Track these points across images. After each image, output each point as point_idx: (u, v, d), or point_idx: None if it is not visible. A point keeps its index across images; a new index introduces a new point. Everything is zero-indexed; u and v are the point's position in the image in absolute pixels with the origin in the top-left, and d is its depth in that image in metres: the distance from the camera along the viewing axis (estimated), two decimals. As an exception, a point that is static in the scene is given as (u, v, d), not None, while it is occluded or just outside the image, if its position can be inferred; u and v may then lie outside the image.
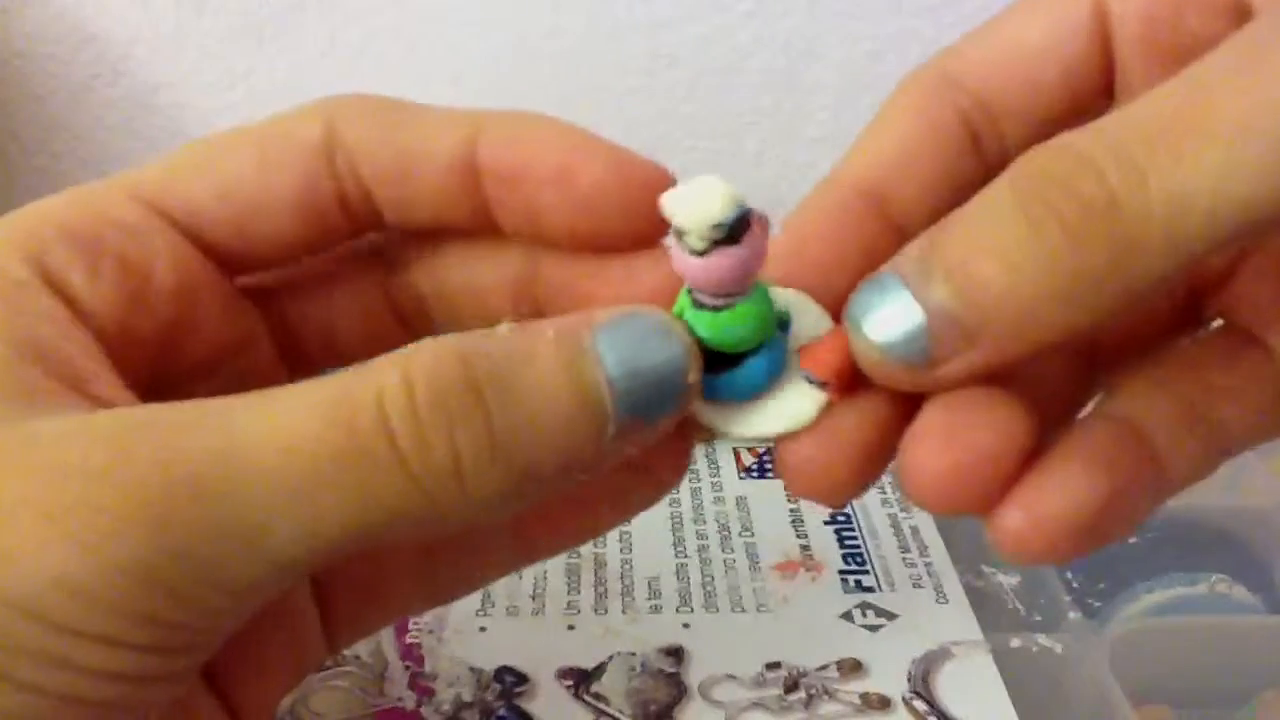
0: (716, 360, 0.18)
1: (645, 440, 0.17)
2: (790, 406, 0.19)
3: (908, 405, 0.18)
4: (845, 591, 0.36)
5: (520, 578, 0.36)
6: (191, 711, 0.20)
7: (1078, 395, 0.21)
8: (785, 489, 0.19)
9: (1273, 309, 0.19)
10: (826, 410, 0.18)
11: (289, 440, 0.16)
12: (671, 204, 0.18)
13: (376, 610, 0.23)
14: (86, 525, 0.15)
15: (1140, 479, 0.18)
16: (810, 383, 0.19)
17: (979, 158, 0.20)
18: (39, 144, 0.65)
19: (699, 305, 0.18)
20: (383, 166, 0.19)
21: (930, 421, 0.17)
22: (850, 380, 0.18)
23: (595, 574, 0.36)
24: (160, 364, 0.19)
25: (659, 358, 0.17)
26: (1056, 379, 0.20)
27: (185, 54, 0.64)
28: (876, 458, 0.18)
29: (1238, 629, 0.41)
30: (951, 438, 0.17)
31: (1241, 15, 0.16)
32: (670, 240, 0.18)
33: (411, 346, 0.17)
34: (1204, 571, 0.42)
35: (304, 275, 0.21)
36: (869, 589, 0.36)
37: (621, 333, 0.17)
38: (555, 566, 0.37)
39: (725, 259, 0.18)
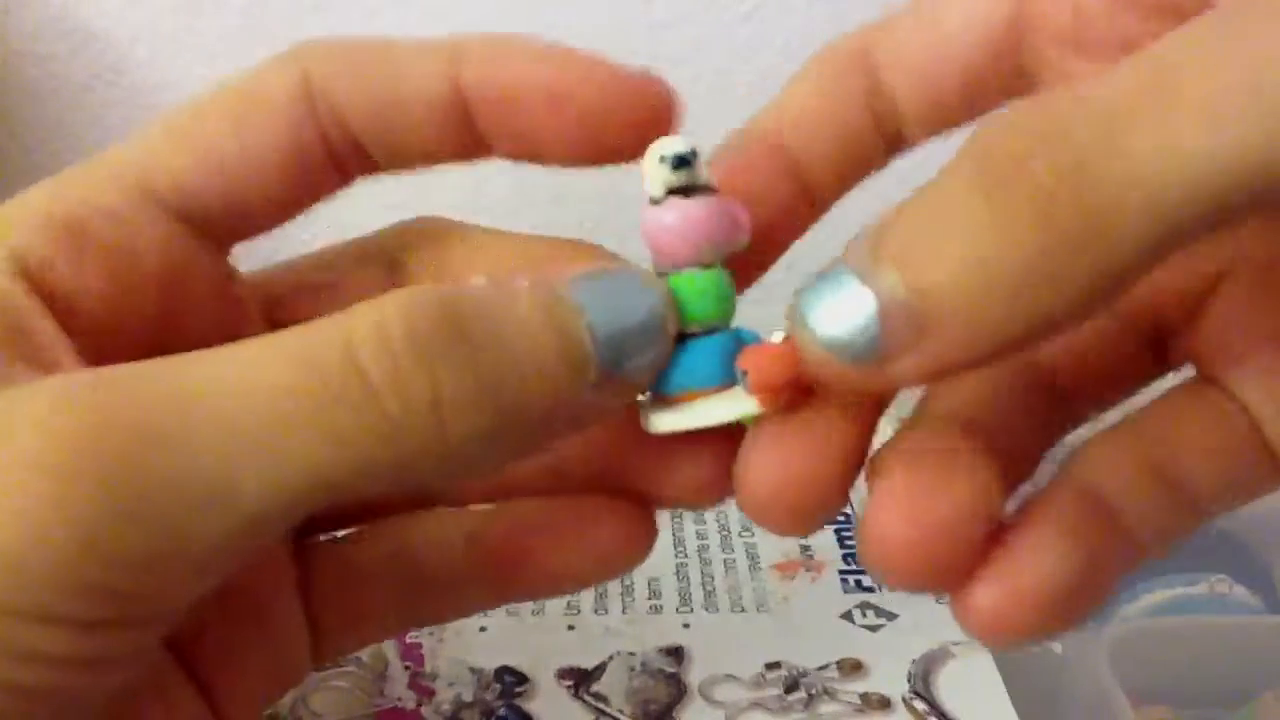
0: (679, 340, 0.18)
1: (623, 394, 0.17)
2: (723, 409, 0.18)
3: (869, 423, 0.17)
4: (845, 591, 0.36)
5: (520, 578, 0.36)
6: (174, 707, 0.19)
7: (1039, 448, 0.20)
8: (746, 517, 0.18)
9: (1243, 352, 0.18)
10: (757, 421, 0.17)
11: (251, 383, 0.15)
12: (649, 158, 0.18)
13: (358, 632, 0.22)
14: (18, 485, 0.14)
15: (1109, 549, 0.17)
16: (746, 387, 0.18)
17: (883, 140, 0.20)
18: (39, 144, 0.65)
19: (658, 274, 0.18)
20: (368, 111, 0.19)
21: (891, 485, 0.16)
22: (791, 390, 0.17)
23: (595, 574, 0.36)
24: (149, 351, 0.18)
25: (638, 305, 0.17)
26: (1018, 429, 0.19)
27: (185, 54, 0.64)
28: (836, 481, 0.17)
29: (1238, 629, 0.41)
30: (914, 504, 0.16)
31: (1179, 17, 0.15)
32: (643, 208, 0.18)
33: (386, 294, 0.16)
34: (1204, 571, 0.42)
35: (307, 279, 0.21)
36: (869, 589, 0.36)
37: (600, 284, 0.17)
38: (555, 566, 0.37)
39: (676, 210, 0.18)
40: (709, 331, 0.18)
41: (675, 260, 0.18)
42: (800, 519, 0.17)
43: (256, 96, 0.19)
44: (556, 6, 0.64)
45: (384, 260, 0.21)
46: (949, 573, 0.16)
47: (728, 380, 0.18)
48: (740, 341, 0.18)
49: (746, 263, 0.19)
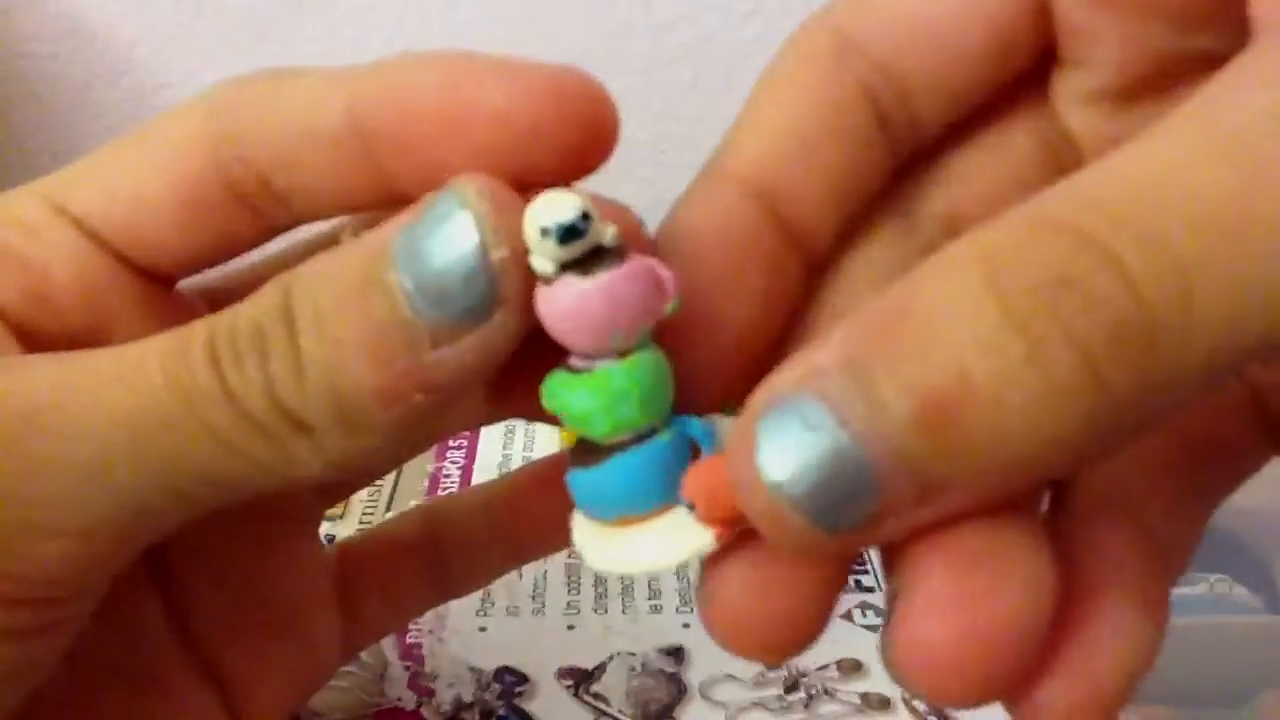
0: (590, 453, 0.15)
1: (487, 343, 0.15)
2: (670, 548, 0.15)
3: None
4: (845, 591, 0.36)
5: (520, 577, 0.36)
6: (183, 711, 0.19)
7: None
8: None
9: None
10: (714, 552, 0.15)
11: (130, 377, 0.15)
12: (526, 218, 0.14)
13: (394, 610, 0.23)
14: None
15: (1166, 597, 0.14)
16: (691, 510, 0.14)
17: (888, 146, 0.16)
18: (39, 144, 0.65)
19: (567, 368, 0.15)
20: (274, 148, 0.17)
21: (935, 589, 0.13)
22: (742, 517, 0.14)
23: (595, 574, 0.36)
24: None
25: (449, 244, 0.14)
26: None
27: (185, 54, 0.64)
28: (816, 613, 0.15)
29: (1238, 629, 0.41)
30: (967, 609, 0.12)
31: None
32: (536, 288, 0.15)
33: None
34: (1204, 571, 0.42)
35: (262, 278, 0.21)
36: (869, 589, 0.36)
37: (416, 227, 0.15)
38: (555, 566, 0.37)
39: (572, 291, 0.14)
40: (642, 437, 0.15)
41: (582, 352, 0.15)
42: (778, 653, 0.15)
43: (163, 136, 0.18)
44: (556, 8, 0.64)
45: (329, 244, 0.21)
46: (1009, 680, 0.13)
47: (672, 499, 0.15)
48: (683, 441, 0.15)
49: (718, 354, 0.16)
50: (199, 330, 0.16)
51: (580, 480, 0.15)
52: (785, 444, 0.12)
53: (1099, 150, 0.15)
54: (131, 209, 0.18)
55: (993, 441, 0.11)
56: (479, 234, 0.14)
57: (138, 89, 0.66)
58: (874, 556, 0.37)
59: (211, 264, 0.19)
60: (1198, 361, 0.11)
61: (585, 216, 0.14)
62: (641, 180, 0.68)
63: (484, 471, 0.42)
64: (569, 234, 0.14)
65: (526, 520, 0.22)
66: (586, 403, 0.14)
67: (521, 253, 0.14)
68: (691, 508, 0.14)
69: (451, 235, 0.14)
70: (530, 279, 0.15)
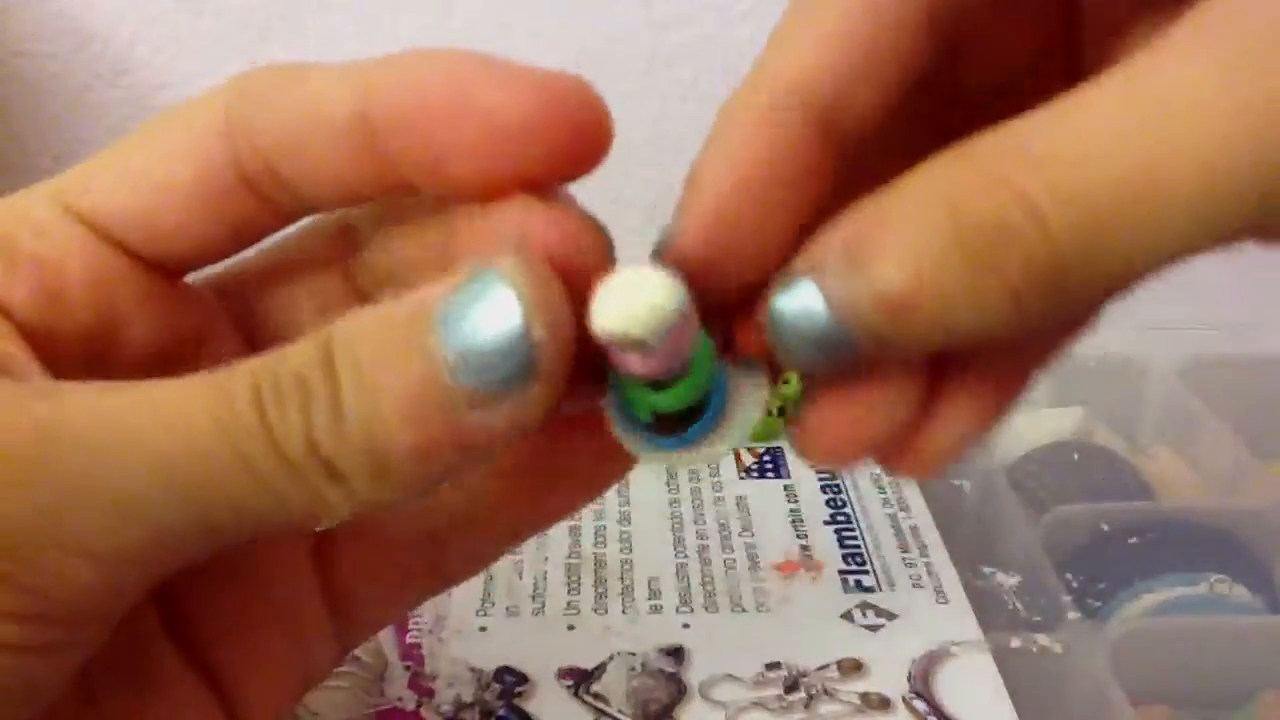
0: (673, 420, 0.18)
1: (521, 412, 0.16)
2: (745, 404, 0.18)
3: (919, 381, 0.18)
4: (845, 591, 0.36)
5: (520, 577, 0.36)
6: (178, 709, 0.19)
7: None
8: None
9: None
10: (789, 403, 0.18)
11: (174, 417, 0.16)
12: (599, 310, 0.16)
13: (388, 600, 0.22)
14: None
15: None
16: (751, 369, 0.18)
17: (950, 51, 0.18)
18: (39, 144, 0.65)
19: (635, 382, 0.17)
20: (282, 136, 0.18)
21: (828, 404, 0.18)
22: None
23: (595, 574, 0.36)
24: (93, 364, 0.19)
25: (492, 319, 0.15)
26: None
27: (185, 54, 0.64)
28: (890, 426, 0.18)
29: (1238, 629, 0.41)
30: (842, 421, 0.18)
31: None
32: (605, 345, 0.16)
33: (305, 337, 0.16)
34: (1204, 571, 0.42)
35: (266, 266, 0.21)
36: (869, 589, 0.36)
37: (458, 298, 0.15)
38: (555, 566, 0.37)
39: (653, 358, 0.16)
40: (697, 405, 0.18)
41: (648, 376, 0.17)
42: (854, 464, 0.19)
43: (181, 128, 0.19)
44: (557, 8, 0.64)
45: (335, 228, 0.21)
46: (865, 457, 0.18)
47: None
48: (722, 388, 0.18)
49: (748, 271, 0.17)
50: (243, 374, 0.16)
51: (676, 440, 0.18)
52: (798, 312, 0.16)
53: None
54: (148, 199, 0.19)
55: (932, 330, 0.15)
56: (522, 312, 0.15)
57: (138, 89, 0.66)
58: (874, 556, 0.37)
59: (224, 255, 0.20)
60: (1099, 296, 0.15)
61: (676, 316, 0.16)
62: (642, 180, 0.68)
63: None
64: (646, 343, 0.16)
65: (526, 490, 0.22)
66: (678, 402, 0.17)
67: (560, 327, 0.16)
68: (748, 366, 0.18)
69: (494, 311, 0.15)
70: (569, 352, 0.16)
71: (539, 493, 0.22)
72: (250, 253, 0.21)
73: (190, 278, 0.20)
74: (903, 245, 0.15)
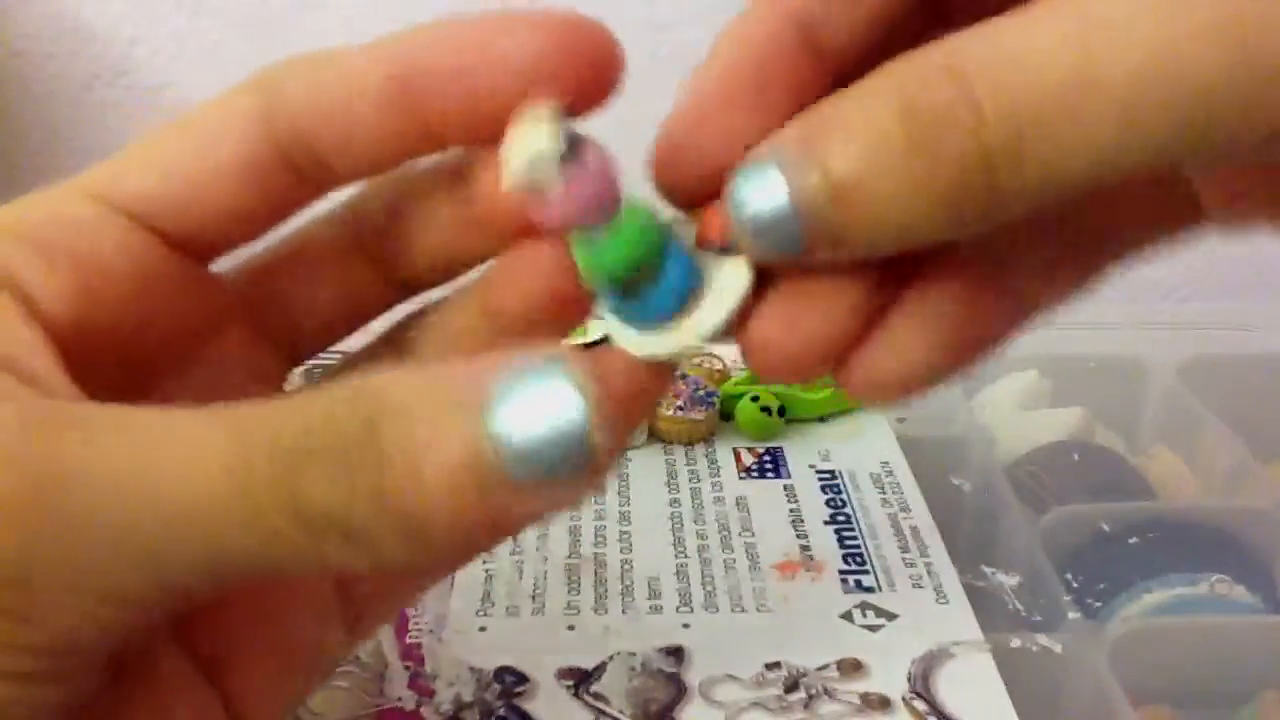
0: (630, 288, 0.18)
1: (560, 498, 0.16)
2: (722, 291, 0.18)
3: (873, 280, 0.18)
4: (845, 591, 0.36)
5: (520, 577, 0.36)
6: (179, 706, 0.19)
7: None
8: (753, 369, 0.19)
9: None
10: (749, 294, 0.18)
11: (188, 466, 0.16)
12: (504, 173, 0.17)
13: (396, 587, 0.22)
14: None
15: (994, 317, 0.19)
16: (724, 254, 0.18)
17: None
18: (39, 144, 0.65)
19: (581, 235, 0.18)
20: (319, 110, 0.19)
21: (772, 307, 0.18)
22: None
23: (595, 574, 0.36)
24: (129, 357, 0.19)
25: (553, 417, 0.15)
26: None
27: (185, 54, 0.64)
28: (843, 340, 0.18)
29: (1238, 629, 0.41)
30: (790, 325, 0.18)
31: None
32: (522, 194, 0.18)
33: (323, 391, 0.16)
34: (1204, 571, 0.42)
35: (287, 258, 0.21)
36: (869, 589, 0.36)
37: (519, 389, 0.15)
38: (555, 566, 0.37)
39: (559, 198, 0.17)
40: (662, 261, 0.18)
41: (591, 226, 0.18)
42: (805, 375, 0.19)
43: (219, 114, 0.19)
44: (557, 7, 0.64)
45: (346, 214, 0.21)
46: (822, 368, 0.18)
47: (699, 285, 0.18)
48: (683, 254, 0.18)
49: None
50: (264, 425, 0.16)
51: (640, 305, 0.18)
52: (754, 192, 0.17)
53: None
54: (186, 181, 0.19)
55: (878, 223, 0.16)
56: (585, 416, 0.15)
57: (138, 89, 0.66)
58: (874, 556, 0.37)
59: (257, 234, 0.20)
60: (1027, 191, 0.15)
61: (572, 136, 0.17)
62: (641, 180, 0.68)
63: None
64: (570, 151, 0.17)
65: None
66: (617, 253, 0.18)
67: (615, 424, 0.16)
68: (721, 253, 0.18)
69: (556, 409, 0.15)
70: (619, 447, 0.16)
71: None
72: (260, 244, 0.21)
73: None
74: (852, 129, 0.16)
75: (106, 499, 0.15)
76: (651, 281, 0.18)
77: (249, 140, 0.19)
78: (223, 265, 0.21)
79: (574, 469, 0.15)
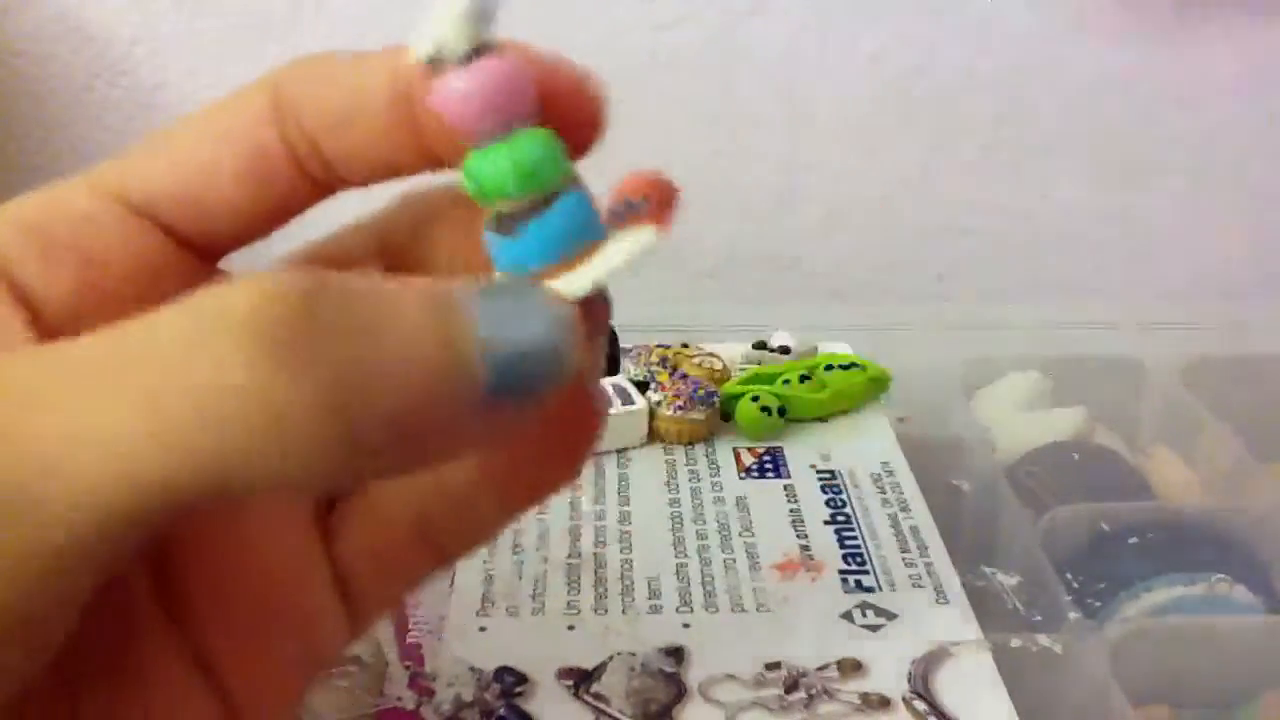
0: (514, 219, 0.17)
1: (506, 426, 0.16)
2: (616, 250, 0.17)
3: None
4: (845, 591, 0.36)
5: (520, 577, 0.36)
6: (173, 703, 0.19)
7: None
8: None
9: None
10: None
11: (100, 378, 0.15)
12: (423, 30, 0.17)
13: (393, 578, 0.22)
14: None
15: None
16: (632, 209, 0.17)
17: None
18: (39, 144, 0.65)
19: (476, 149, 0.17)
20: (326, 115, 0.19)
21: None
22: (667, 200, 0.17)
23: (595, 574, 0.36)
24: None
25: (538, 331, 0.15)
26: None
27: (185, 54, 0.64)
28: None
29: (1238, 629, 0.41)
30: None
31: None
32: (431, 79, 0.17)
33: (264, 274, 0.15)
34: (1204, 571, 0.42)
35: (305, 260, 0.21)
36: (869, 589, 0.36)
37: (500, 302, 0.15)
38: (555, 566, 0.37)
39: (457, 79, 0.17)
40: (555, 194, 0.17)
41: (487, 132, 0.17)
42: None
43: (228, 111, 0.19)
44: (557, 7, 0.64)
45: (376, 232, 0.21)
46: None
47: (600, 236, 0.17)
48: (583, 195, 0.17)
49: None
50: (210, 313, 0.15)
51: (527, 232, 0.17)
52: None
53: None
54: (195, 178, 0.19)
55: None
56: (568, 339, 0.15)
57: (138, 89, 0.66)
58: (874, 556, 0.37)
59: (262, 233, 0.20)
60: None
61: (485, 24, 0.17)
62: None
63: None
64: (484, 45, 0.17)
65: (517, 464, 0.21)
66: (505, 165, 0.17)
67: (579, 353, 0.16)
68: (644, 201, 0.17)
69: (535, 323, 0.15)
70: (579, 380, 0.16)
71: (524, 470, 0.21)
72: (284, 248, 0.21)
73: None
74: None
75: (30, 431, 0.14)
76: (538, 215, 0.17)
77: (257, 138, 0.19)
78: (236, 262, 0.21)
79: (547, 382, 0.15)
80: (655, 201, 0.17)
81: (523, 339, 0.15)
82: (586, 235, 0.17)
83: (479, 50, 0.17)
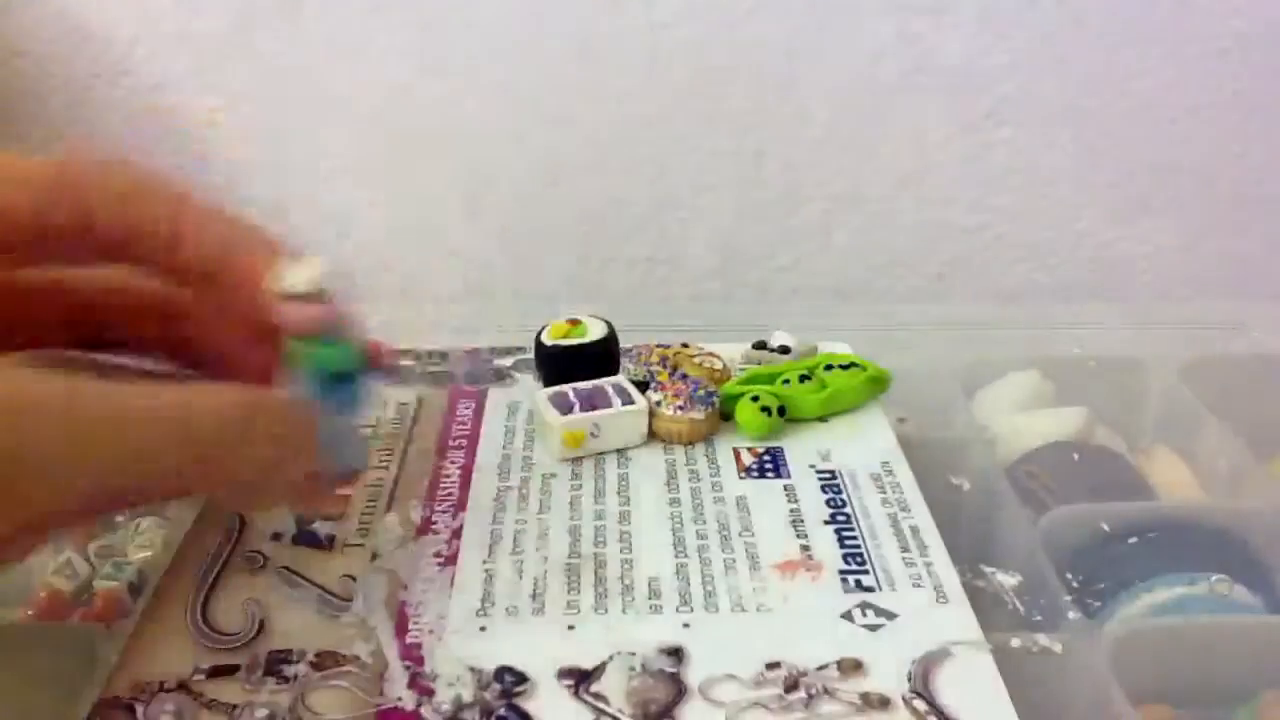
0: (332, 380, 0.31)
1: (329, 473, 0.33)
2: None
3: None
4: (845, 591, 0.36)
5: (520, 577, 0.36)
6: None
7: None
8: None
9: None
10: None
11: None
12: (290, 274, 0.29)
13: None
14: None
15: None
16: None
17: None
18: (39, 144, 0.65)
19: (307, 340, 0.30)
20: None
21: None
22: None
23: (595, 574, 0.36)
24: None
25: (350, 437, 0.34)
26: None
27: (185, 54, 0.64)
28: None
29: (1238, 629, 0.41)
30: None
31: None
32: (284, 304, 0.29)
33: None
34: (1204, 571, 0.42)
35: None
36: (869, 589, 0.36)
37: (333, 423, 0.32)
38: (555, 566, 0.37)
39: (321, 305, 0.30)
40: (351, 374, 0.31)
41: (319, 335, 0.30)
42: None
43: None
44: (557, 7, 0.64)
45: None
46: None
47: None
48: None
49: None
50: (202, 399, 0.28)
51: (341, 392, 0.32)
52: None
53: None
54: None
55: None
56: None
57: (138, 89, 0.66)
58: (874, 556, 0.37)
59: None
60: None
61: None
62: (642, 180, 0.68)
63: (483, 471, 0.42)
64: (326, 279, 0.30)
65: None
66: (341, 356, 0.31)
67: None
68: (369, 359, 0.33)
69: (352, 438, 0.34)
70: None
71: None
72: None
73: None
74: None
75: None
76: (347, 383, 0.31)
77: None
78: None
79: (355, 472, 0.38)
80: (376, 355, 0.33)
81: (353, 455, 0.35)
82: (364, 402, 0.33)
83: (320, 294, 0.30)
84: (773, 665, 0.32)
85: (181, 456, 0.26)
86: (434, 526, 0.39)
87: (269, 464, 0.29)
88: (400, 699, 0.31)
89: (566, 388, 0.43)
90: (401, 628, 0.34)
